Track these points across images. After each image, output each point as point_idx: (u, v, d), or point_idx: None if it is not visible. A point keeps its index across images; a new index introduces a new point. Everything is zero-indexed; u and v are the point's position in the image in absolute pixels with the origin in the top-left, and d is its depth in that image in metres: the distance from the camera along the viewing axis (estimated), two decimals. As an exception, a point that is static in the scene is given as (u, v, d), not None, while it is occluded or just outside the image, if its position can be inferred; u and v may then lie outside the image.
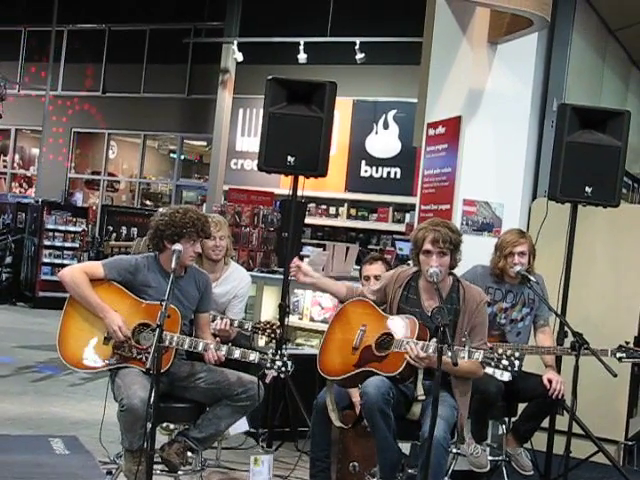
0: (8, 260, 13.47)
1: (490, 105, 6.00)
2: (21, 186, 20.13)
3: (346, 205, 15.32)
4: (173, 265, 4.11)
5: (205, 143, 17.89)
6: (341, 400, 4.52)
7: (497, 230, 5.91)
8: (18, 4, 18.47)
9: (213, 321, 4.86)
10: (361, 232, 15.13)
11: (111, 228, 14.34)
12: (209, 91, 16.40)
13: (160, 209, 4.87)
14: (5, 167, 20.16)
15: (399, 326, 4.15)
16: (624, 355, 4.57)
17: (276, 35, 14.78)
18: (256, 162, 5.71)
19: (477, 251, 5.15)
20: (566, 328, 4.82)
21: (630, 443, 5.98)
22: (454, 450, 4.70)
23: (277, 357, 4.14)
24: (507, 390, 4.76)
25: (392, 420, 4.02)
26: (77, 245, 13.47)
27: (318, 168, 5.52)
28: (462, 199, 5.97)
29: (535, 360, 5.03)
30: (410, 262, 4.49)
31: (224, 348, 4.20)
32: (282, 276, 5.83)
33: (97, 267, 4.36)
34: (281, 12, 15.29)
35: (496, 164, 6.03)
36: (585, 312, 5.61)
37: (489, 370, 4.48)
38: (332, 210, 15.38)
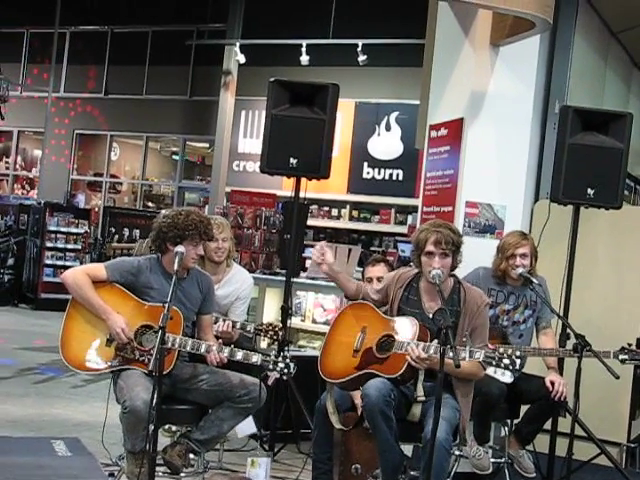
0: (10, 262, 13.48)
1: (492, 107, 6.00)
2: (23, 188, 20.15)
3: (348, 207, 15.33)
4: (176, 267, 4.11)
5: (207, 145, 17.90)
6: (343, 402, 4.52)
7: (499, 232, 5.91)
8: (20, 6, 18.48)
9: (215, 323, 4.86)
10: (363, 234, 15.13)
11: (113, 230, 14.37)
12: (211, 93, 16.42)
13: (162, 211, 4.88)
14: (7, 169, 20.18)
15: (406, 327, 4.14)
16: (626, 357, 4.57)
17: (278, 37, 14.79)
18: (258, 164, 5.71)
19: (479, 253, 5.15)
20: (568, 330, 4.82)
21: (632, 445, 5.97)
22: (456, 452, 4.70)
23: (279, 359, 4.14)
24: (509, 392, 4.76)
25: (394, 422, 4.01)
26: (79, 247, 13.48)
27: (320, 170, 5.52)
28: (464, 201, 5.97)
29: (537, 362, 5.02)
30: (412, 264, 4.48)
31: (226, 350, 4.20)
32: (284, 278, 5.83)
33: (99, 269, 4.36)
34: (283, 14, 15.31)
35: (498, 166, 6.03)
36: (587, 314, 5.60)
37: (490, 371, 4.50)
38: (334, 212, 15.39)
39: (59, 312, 4.74)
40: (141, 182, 18.46)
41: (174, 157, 18.75)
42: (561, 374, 4.93)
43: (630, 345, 4.67)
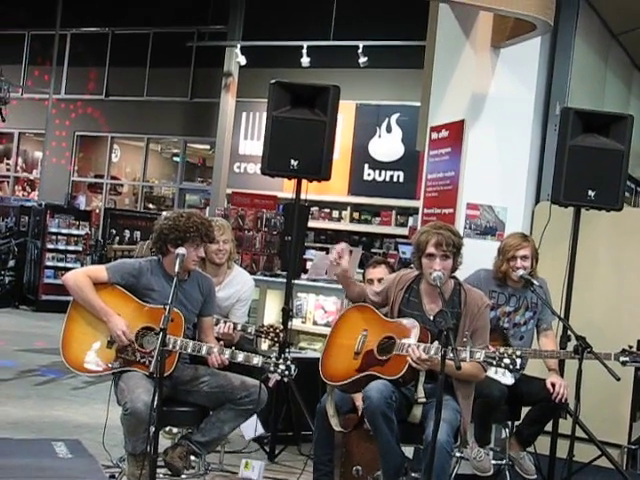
0: (11, 263, 13.48)
1: (493, 109, 6.00)
2: (24, 189, 20.16)
3: (349, 209, 15.33)
4: (177, 269, 4.12)
5: (208, 146, 17.91)
6: (344, 404, 4.52)
7: (500, 234, 5.91)
8: (22, 8, 18.50)
9: (216, 325, 4.86)
10: (364, 235, 15.13)
11: (114, 231, 14.37)
12: (212, 94, 16.43)
13: (164, 213, 4.88)
14: (8, 170, 20.20)
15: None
16: (627, 359, 4.56)
17: (279, 39, 14.80)
18: (259, 166, 5.71)
19: (480, 255, 5.15)
20: (569, 332, 4.82)
21: (633, 447, 5.97)
22: (457, 454, 4.70)
23: (280, 361, 4.14)
24: (510, 394, 4.76)
25: (395, 424, 4.01)
26: (80, 248, 13.49)
27: (321, 172, 5.53)
28: (465, 203, 5.97)
29: (538, 364, 5.02)
30: (412, 266, 4.48)
31: (227, 352, 4.20)
32: (285, 280, 5.83)
33: (100, 271, 4.37)
34: (284, 15, 15.32)
35: (499, 168, 6.03)
36: (588, 316, 5.60)
37: (491, 373, 4.50)
38: (335, 214, 15.39)
39: (60, 314, 4.74)
40: (142, 184, 18.47)
41: (175, 159, 18.76)
42: (562, 376, 4.93)
43: (631, 347, 4.67)
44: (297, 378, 4.34)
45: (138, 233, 14.28)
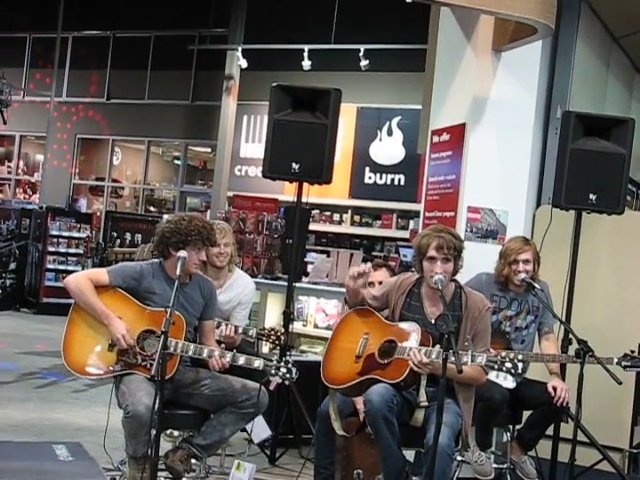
0: (12, 266, 13.48)
1: (494, 112, 6.00)
2: (25, 192, 20.17)
3: (350, 212, 15.33)
4: (178, 272, 4.12)
5: (209, 149, 17.91)
6: (345, 407, 4.52)
7: (501, 237, 5.90)
8: (23, 11, 18.52)
9: (218, 327, 4.86)
10: (365, 239, 15.13)
11: (115, 234, 14.37)
12: (213, 98, 16.43)
13: (165, 216, 4.89)
14: (9, 173, 20.21)
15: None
16: (629, 364, 4.56)
17: (280, 42, 14.80)
18: (260, 169, 5.72)
19: (481, 258, 5.15)
20: (571, 335, 4.82)
21: (635, 451, 5.95)
22: (458, 457, 4.70)
23: (282, 364, 4.14)
24: (512, 397, 4.76)
25: (396, 428, 4.01)
26: (81, 251, 13.49)
27: (323, 175, 5.53)
28: (466, 206, 5.97)
29: (540, 367, 5.02)
30: (413, 269, 4.48)
31: (229, 355, 4.20)
32: (286, 283, 5.83)
33: (102, 274, 4.37)
34: (285, 19, 15.33)
35: (500, 171, 6.02)
36: (589, 319, 5.59)
37: (493, 377, 4.49)
38: (336, 217, 15.39)
39: (61, 316, 4.75)
40: (143, 187, 18.47)
41: (176, 162, 18.76)
42: (563, 379, 4.93)
43: (633, 352, 4.67)
44: (298, 381, 4.34)
45: (139, 236, 14.28)
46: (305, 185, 5.67)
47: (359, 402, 4.41)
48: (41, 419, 6.29)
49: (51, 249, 13.27)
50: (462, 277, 4.44)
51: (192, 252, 4.28)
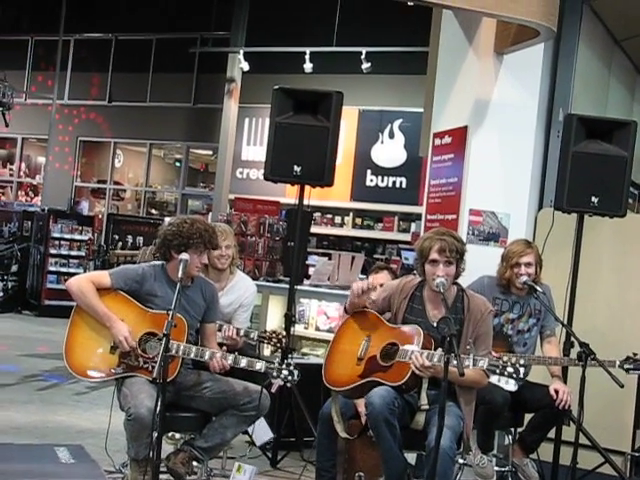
0: (14, 268, 13.49)
1: (496, 115, 6.00)
2: (27, 194, 20.18)
3: (351, 214, 15.34)
4: (180, 274, 4.12)
5: (211, 152, 17.92)
6: (347, 410, 4.52)
7: (503, 240, 5.90)
8: (25, 14, 18.54)
9: (219, 330, 4.86)
10: (366, 241, 15.14)
11: (117, 237, 14.38)
12: (215, 100, 16.45)
13: (168, 218, 4.89)
14: (11, 175, 20.22)
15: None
16: (632, 367, 4.56)
17: (282, 44, 14.82)
18: (262, 171, 5.73)
19: (483, 261, 5.15)
20: (572, 338, 4.82)
21: (637, 454, 5.94)
22: (460, 460, 4.69)
23: (283, 366, 4.14)
24: (513, 400, 4.75)
25: (397, 430, 4.01)
26: (83, 254, 13.49)
27: (324, 178, 5.53)
28: (468, 209, 5.97)
29: (541, 370, 5.01)
30: (415, 272, 4.47)
31: (230, 357, 4.20)
32: (288, 285, 5.83)
33: (104, 276, 4.37)
34: (287, 21, 15.34)
35: (502, 174, 6.03)
36: (591, 322, 5.59)
37: (494, 379, 4.49)
38: (337, 219, 15.40)
39: (63, 319, 4.74)
40: (145, 189, 18.49)
41: (177, 164, 18.77)
42: (565, 382, 4.92)
43: (635, 354, 4.66)
44: (300, 384, 4.34)
45: (141, 238, 14.29)
46: (307, 188, 5.67)
47: (361, 404, 4.40)
48: (43, 421, 6.29)
49: (53, 251, 13.26)
50: (464, 280, 4.43)
51: (194, 255, 4.28)
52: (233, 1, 16.23)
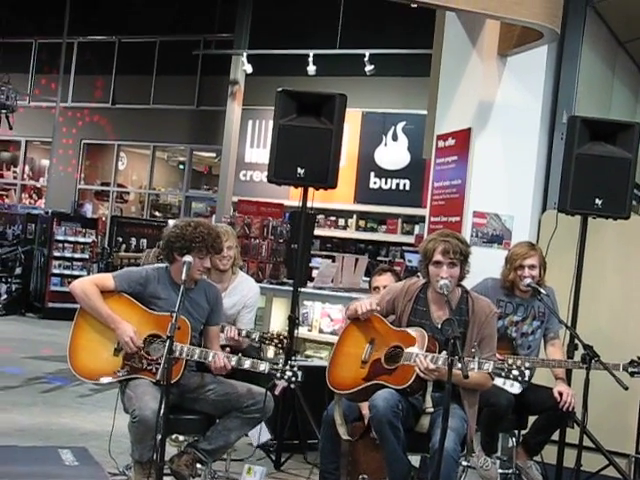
0: (18, 271, 13.50)
1: (500, 117, 6.00)
2: (31, 197, 20.21)
3: (355, 216, 15.34)
4: (183, 276, 4.12)
5: (214, 154, 17.93)
6: (350, 412, 4.51)
7: (507, 242, 5.90)
8: (29, 16, 18.57)
9: (222, 331, 4.85)
10: (370, 244, 15.13)
11: (120, 239, 14.40)
12: (218, 103, 16.45)
13: (171, 221, 4.89)
14: (15, 178, 20.25)
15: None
16: (636, 370, 4.55)
17: (285, 47, 14.82)
18: (265, 174, 5.72)
19: (487, 263, 5.15)
20: (576, 341, 4.81)
21: (641, 456, 5.94)
22: (464, 463, 4.68)
23: (287, 367, 4.14)
24: (517, 403, 4.75)
25: (401, 433, 4.00)
26: (87, 256, 13.50)
27: (328, 180, 5.53)
28: (472, 211, 5.97)
29: (545, 373, 5.01)
30: (419, 274, 4.47)
31: (234, 358, 4.20)
32: (291, 288, 5.82)
33: (107, 279, 4.38)
34: (290, 24, 15.35)
35: (506, 176, 6.03)
36: (595, 324, 5.58)
37: (499, 382, 4.48)
38: (341, 222, 15.39)
39: (66, 321, 4.75)
40: (148, 192, 18.50)
41: (181, 167, 18.78)
42: (569, 384, 4.92)
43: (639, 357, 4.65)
44: (303, 386, 4.34)
45: (144, 241, 14.30)
46: (310, 190, 5.67)
47: (364, 407, 4.40)
48: (47, 424, 6.29)
49: (56, 254, 13.27)
50: (468, 282, 4.43)
51: (196, 258, 4.27)
52: (236, 3, 16.24)
